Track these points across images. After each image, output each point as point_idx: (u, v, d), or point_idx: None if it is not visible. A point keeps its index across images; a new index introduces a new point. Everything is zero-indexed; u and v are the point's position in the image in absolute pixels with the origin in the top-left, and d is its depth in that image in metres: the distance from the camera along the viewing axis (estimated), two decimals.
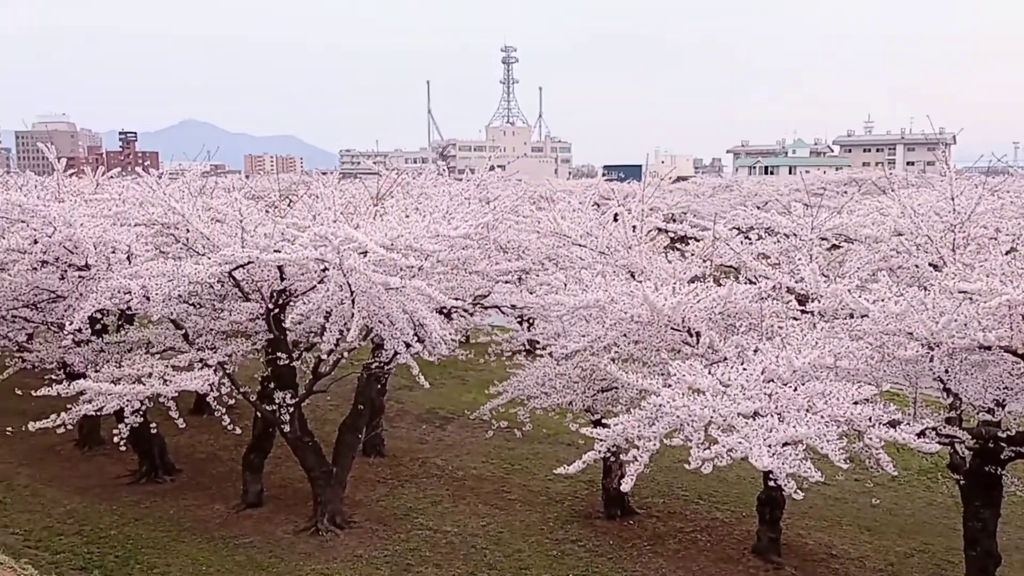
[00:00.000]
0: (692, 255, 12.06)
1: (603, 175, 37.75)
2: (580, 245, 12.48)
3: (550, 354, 11.62)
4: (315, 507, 11.98)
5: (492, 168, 19.94)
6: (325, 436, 12.97)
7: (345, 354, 11.66)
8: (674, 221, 15.54)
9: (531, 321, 13.28)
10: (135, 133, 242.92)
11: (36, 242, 10.84)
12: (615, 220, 12.65)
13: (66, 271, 11.42)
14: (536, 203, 20.13)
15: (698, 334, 9.55)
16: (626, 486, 7.82)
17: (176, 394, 10.03)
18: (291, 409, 11.51)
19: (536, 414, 12.51)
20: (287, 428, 11.55)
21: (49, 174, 15.48)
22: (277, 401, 11.40)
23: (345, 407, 13.18)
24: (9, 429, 12.52)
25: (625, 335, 10.14)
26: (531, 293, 11.98)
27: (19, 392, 11.85)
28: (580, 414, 11.91)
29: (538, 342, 12.44)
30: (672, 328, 9.69)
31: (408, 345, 10.36)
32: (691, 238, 12.71)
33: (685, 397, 7.62)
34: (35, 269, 11.26)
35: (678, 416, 7.57)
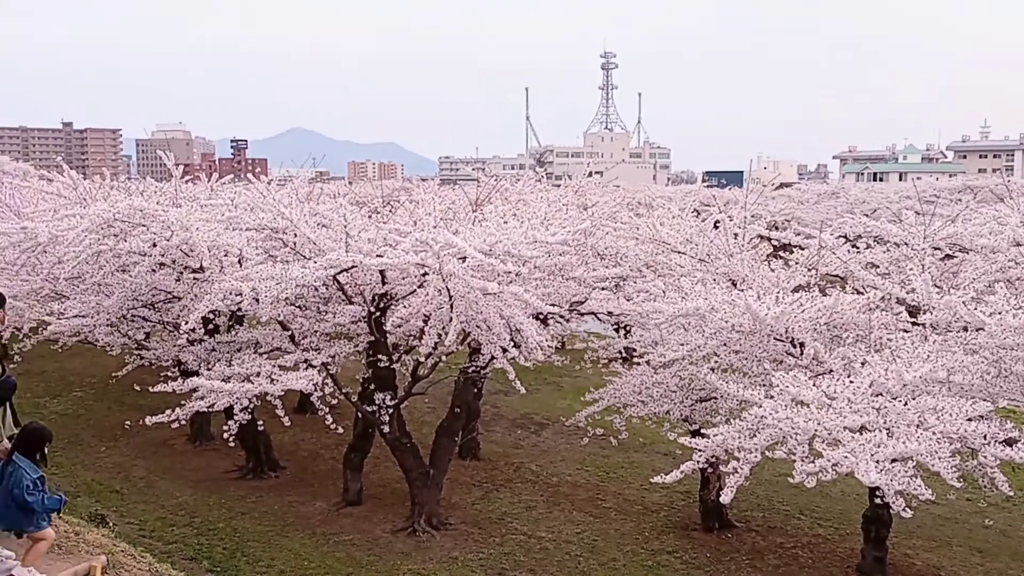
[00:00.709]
0: (796, 264, 11.75)
1: (703, 181, 37.21)
2: (679, 252, 12.33)
3: (647, 362, 11.51)
4: (412, 508, 12.17)
5: (590, 174, 19.92)
6: (422, 438, 13.18)
7: (443, 358, 11.83)
8: (777, 229, 15.24)
9: (628, 328, 13.18)
10: (246, 141, 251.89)
11: (155, 245, 11.37)
12: (716, 227, 12.45)
13: (182, 273, 11.95)
14: (634, 209, 20.01)
15: (802, 345, 9.30)
16: (726, 498, 7.68)
17: (282, 393, 10.36)
18: (390, 410, 11.74)
19: (632, 422, 12.41)
20: (386, 429, 11.78)
21: (167, 180, 16.28)
22: (377, 402, 11.65)
23: (442, 410, 13.36)
24: (128, 422, 13.16)
25: (725, 344, 9.97)
26: (629, 300, 11.90)
27: (137, 388, 12.48)
28: (677, 424, 11.75)
29: (635, 350, 12.34)
30: (775, 338, 9.48)
31: (505, 350, 10.44)
32: (795, 246, 12.38)
33: (788, 409, 7.44)
34: (154, 271, 11.84)
35: (781, 428, 7.40)
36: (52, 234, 11.29)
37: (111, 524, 7.08)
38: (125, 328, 13.24)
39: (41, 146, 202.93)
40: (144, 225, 11.32)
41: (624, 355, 13.40)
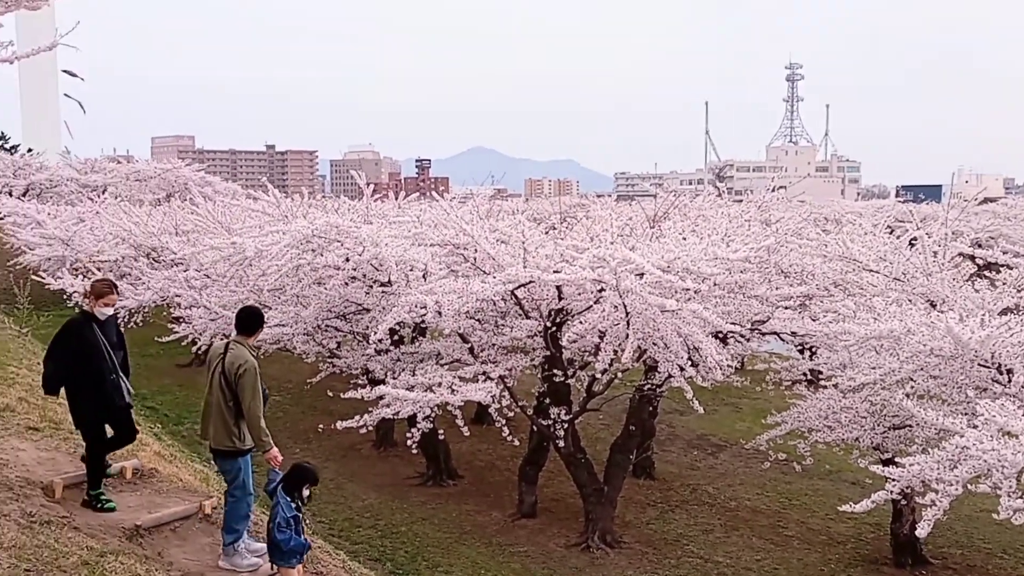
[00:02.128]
0: (1003, 284, 10.86)
1: (897, 196, 35.10)
2: (872, 271, 11.69)
3: (835, 385, 10.96)
4: (586, 523, 12.17)
5: (774, 189, 19.25)
6: (596, 455, 13.15)
7: (618, 374, 11.78)
8: (981, 247, 14.16)
9: (813, 350, 12.60)
10: (429, 160, 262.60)
11: (348, 259, 12.06)
12: (911, 245, 11.72)
13: (371, 286, 12.59)
14: (821, 225, 19.16)
15: (1010, 371, 8.58)
16: (921, 532, 7.19)
17: (462, 403, 10.68)
18: (565, 425, 11.81)
19: (817, 448, 11.84)
20: (561, 443, 11.86)
21: (359, 198, 17.21)
22: (552, 416, 11.75)
23: (616, 427, 13.29)
24: (320, 426, 13.96)
25: (922, 369, 9.34)
26: (815, 320, 11.39)
27: (329, 394, 13.23)
28: (868, 451, 11.10)
29: (821, 372, 11.80)
30: (979, 364, 8.79)
31: (682, 368, 10.26)
32: (1002, 265, 11.44)
33: (994, 440, 6.87)
34: (346, 284, 12.54)
35: (985, 460, 6.85)
36: (258, 249, 12.17)
37: (307, 521, 7.51)
38: (319, 337, 14.07)
39: (247, 167, 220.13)
40: (339, 241, 12.00)
41: (809, 377, 12.83)
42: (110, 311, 8.09)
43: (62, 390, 7.96)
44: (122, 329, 8.73)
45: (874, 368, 9.73)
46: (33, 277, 20.60)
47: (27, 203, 29.51)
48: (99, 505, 7.90)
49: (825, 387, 11.35)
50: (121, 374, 7.94)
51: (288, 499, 6.98)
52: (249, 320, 7.70)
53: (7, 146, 62.24)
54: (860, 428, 10.84)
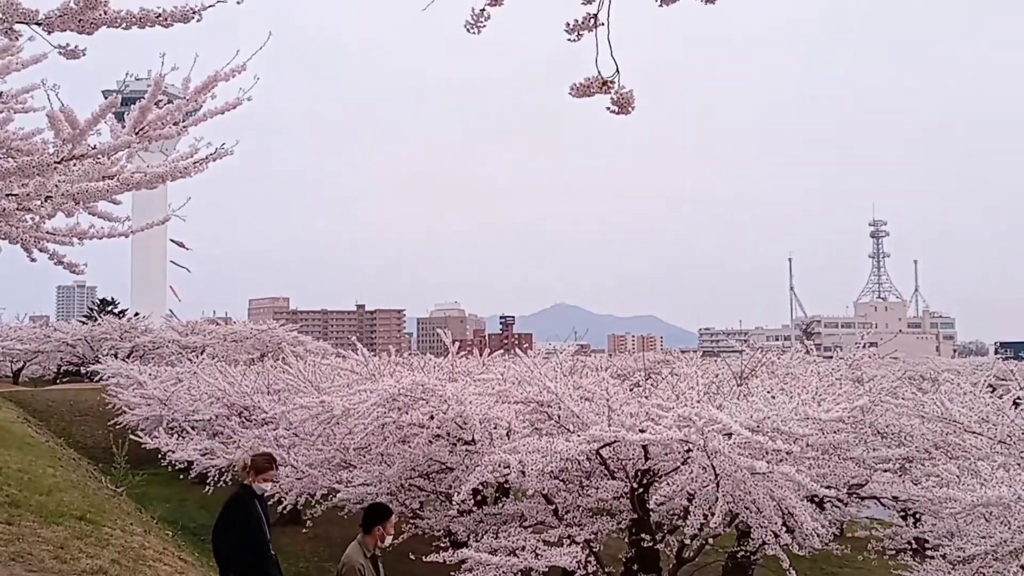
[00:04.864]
0: None
1: (996, 353, 33.79)
2: (974, 433, 11.17)
3: (943, 556, 10.27)
4: None
5: (864, 346, 18.82)
6: None
7: (709, 540, 11.31)
8: None
9: (917, 516, 11.91)
10: (513, 317, 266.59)
11: (432, 417, 12.17)
12: (1016, 405, 11.21)
13: (455, 445, 12.60)
14: (917, 384, 18.52)
15: None
16: None
17: (546, 568, 10.36)
18: None
19: None
20: None
21: (444, 355, 17.50)
22: None
23: None
24: None
25: None
26: (916, 484, 10.83)
27: (411, 556, 12.99)
28: None
29: (927, 541, 11.10)
30: None
31: (776, 535, 9.81)
32: None
33: None
34: (431, 442, 12.59)
35: None
36: (346, 407, 12.42)
37: None
38: (403, 497, 13.99)
39: (338, 326, 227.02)
40: (424, 399, 12.17)
41: (914, 546, 12.06)
42: (268, 487, 8.38)
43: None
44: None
45: (984, 538, 9.12)
46: (131, 436, 21.26)
47: (130, 364, 30.94)
48: None
49: (932, 557, 10.63)
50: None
51: None
52: (368, 517, 8.02)
53: (116, 310, 66.08)
54: None
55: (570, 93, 4.03)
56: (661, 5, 3.69)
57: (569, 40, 3.82)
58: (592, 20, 3.77)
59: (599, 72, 3.90)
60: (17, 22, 4.72)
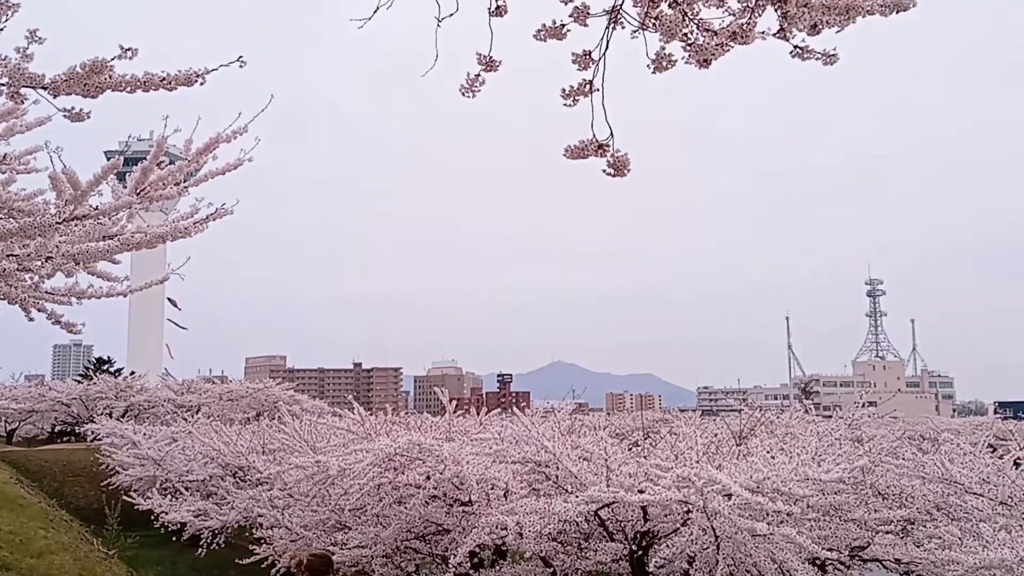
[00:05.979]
0: None
1: (995, 412, 33.66)
2: (975, 494, 11.07)
3: None
4: None
5: (864, 405, 18.74)
6: None
7: None
8: None
9: None
10: (511, 375, 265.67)
11: (429, 478, 12.04)
12: (1016, 465, 11.13)
13: (452, 505, 12.45)
14: (917, 444, 18.41)
15: None
16: None
17: None
18: None
19: None
20: None
21: (441, 413, 17.40)
22: None
23: None
24: None
25: None
26: (919, 546, 10.69)
27: None
28: None
29: None
30: None
31: None
32: None
33: None
34: (427, 503, 12.44)
35: None
36: (341, 467, 12.30)
37: None
38: (398, 559, 13.78)
39: (335, 384, 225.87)
40: (420, 459, 12.05)
41: None
42: None
43: None
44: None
45: None
46: (124, 497, 20.99)
47: (124, 424, 30.66)
48: None
49: None
50: None
51: None
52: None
53: (112, 369, 65.81)
54: None
55: (564, 155, 4.10)
56: (654, 72, 3.78)
57: (565, 105, 3.90)
58: (587, 86, 3.86)
59: (594, 136, 3.98)
60: (24, 86, 4.82)
